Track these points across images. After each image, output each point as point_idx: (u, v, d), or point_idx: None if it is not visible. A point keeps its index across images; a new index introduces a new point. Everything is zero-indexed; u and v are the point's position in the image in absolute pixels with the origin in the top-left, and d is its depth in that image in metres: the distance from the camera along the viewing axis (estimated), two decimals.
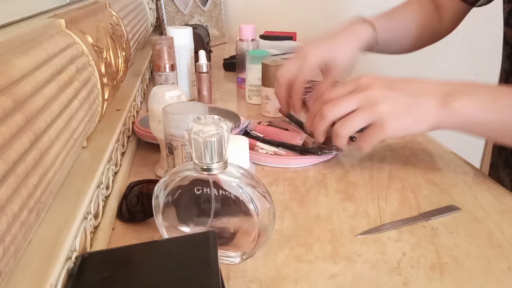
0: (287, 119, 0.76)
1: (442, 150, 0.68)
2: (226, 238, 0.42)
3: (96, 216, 0.45)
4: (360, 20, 0.72)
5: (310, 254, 0.44)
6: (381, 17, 0.75)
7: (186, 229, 0.42)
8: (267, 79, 0.80)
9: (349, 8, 1.60)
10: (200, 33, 1.03)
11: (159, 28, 1.38)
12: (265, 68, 0.80)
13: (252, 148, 0.66)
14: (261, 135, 0.67)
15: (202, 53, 0.84)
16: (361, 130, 0.54)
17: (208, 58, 1.05)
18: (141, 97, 0.87)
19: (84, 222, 0.41)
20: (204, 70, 0.85)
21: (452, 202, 0.53)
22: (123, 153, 0.62)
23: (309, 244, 0.45)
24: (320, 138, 0.57)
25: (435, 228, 0.48)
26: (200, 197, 0.40)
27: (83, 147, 0.53)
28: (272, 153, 0.63)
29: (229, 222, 0.42)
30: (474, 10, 0.78)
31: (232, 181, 0.39)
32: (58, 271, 0.33)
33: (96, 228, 0.45)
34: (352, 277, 0.41)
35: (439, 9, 0.78)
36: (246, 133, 0.68)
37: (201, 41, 1.02)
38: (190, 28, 0.87)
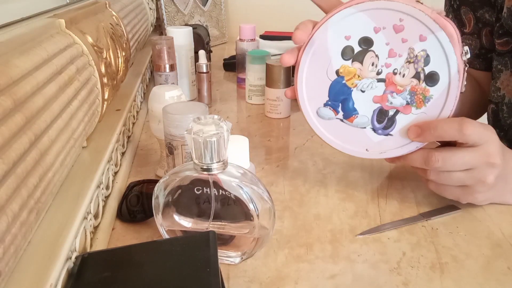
0: None
1: None
2: (226, 238, 0.42)
3: (96, 216, 0.45)
4: None
5: (310, 254, 0.44)
6: None
7: (186, 229, 0.42)
8: (272, 80, 0.78)
9: None
10: (200, 33, 1.03)
11: (159, 28, 1.38)
12: (270, 69, 0.78)
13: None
14: None
15: (202, 53, 0.84)
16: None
17: (208, 58, 1.05)
18: (141, 97, 0.87)
19: (84, 222, 0.41)
20: (204, 70, 0.85)
21: (452, 202, 0.53)
22: (123, 153, 0.62)
23: (309, 244, 0.45)
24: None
25: (435, 228, 0.48)
26: (200, 197, 0.40)
27: (83, 147, 0.53)
28: None
29: (229, 222, 0.42)
30: None
31: (232, 181, 0.39)
32: (58, 271, 0.33)
33: (96, 228, 0.45)
34: (352, 277, 0.41)
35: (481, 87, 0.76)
36: None
37: (201, 41, 1.02)
38: (190, 28, 0.87)
